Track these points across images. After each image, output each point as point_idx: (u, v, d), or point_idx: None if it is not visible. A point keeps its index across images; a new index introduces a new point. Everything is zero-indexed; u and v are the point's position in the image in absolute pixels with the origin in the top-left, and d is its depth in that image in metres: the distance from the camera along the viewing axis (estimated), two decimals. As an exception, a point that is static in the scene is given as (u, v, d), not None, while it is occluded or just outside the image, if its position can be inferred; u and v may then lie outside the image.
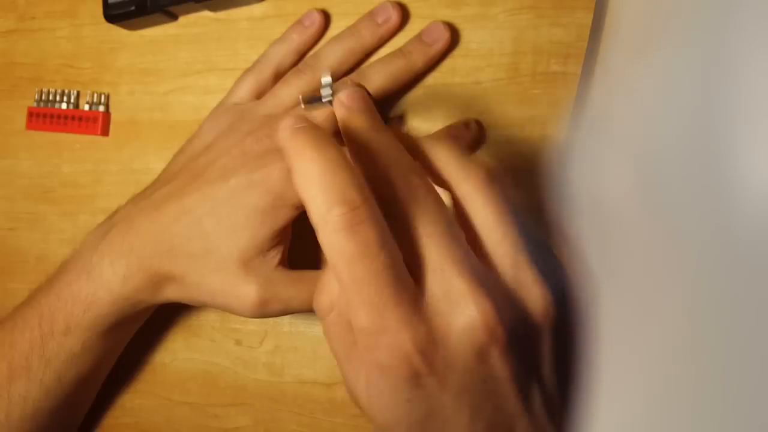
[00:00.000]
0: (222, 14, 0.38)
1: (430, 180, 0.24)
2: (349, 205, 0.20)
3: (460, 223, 0.24)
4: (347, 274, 0.21)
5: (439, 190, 0.24)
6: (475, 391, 0.22)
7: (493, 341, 0.21)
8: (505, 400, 0.22)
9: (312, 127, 0.21)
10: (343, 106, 0.24)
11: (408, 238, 0.22)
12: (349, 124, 0.24)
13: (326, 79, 0.26)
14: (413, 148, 0.25)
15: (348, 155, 0.22)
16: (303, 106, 0.27)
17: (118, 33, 0.40)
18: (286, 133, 0.21)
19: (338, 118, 0.24)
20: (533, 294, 0.23)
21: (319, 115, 0.32)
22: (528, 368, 0.23)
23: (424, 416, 0.22)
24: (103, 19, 0.38)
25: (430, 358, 0.21)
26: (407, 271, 0.22)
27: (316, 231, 0.21)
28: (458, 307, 0.21)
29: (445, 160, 0.25)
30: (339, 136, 0.33)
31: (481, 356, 0.22)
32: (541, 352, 0.24)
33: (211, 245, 0.29)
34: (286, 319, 0.36)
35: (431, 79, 0.34)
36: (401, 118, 0.35)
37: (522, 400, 0.23)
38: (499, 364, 0.22)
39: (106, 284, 0.31)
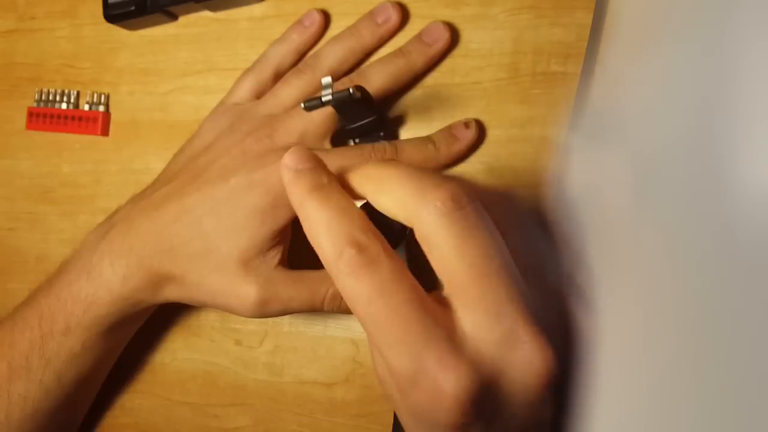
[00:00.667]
0: (222, 14, 0.38)
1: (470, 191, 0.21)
2: (356, 248, 0.19)
3: None
4: (366, 317, 0.19)
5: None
6: (519, 430, 0.21)
7: (546, 388, 0.20)
8: None
9: (314, 170, 0.21)
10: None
11: (457, 271, 0.20)
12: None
13: (326, 80, 0.26)
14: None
15: (348, 196, 0.21)
16: (303, 109, 0.27)
17: (118, 33, 0.40)
18: (289, 176, 0.21)
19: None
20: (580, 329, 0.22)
21: (318, 116, 0.32)
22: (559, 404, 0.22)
23: None
24: (103, 19, 0.38)
25: (478, 405, 0.19)
26: (435, 305, 0.20)
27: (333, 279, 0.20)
28: (515, 354, 0.19)
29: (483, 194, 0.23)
30: (333, 140, 0.33)
31: (533, 403, 0.20)
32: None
33: (211, 245, 0.29)
34: (286, 319, 0.36)
35: (431, 79, 0.34)
36: (401, 118, 0.35)
37: None
38: (548, 408, 0.21)
39: (106, 284, 0.31)
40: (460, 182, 0.21)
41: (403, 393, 0.20)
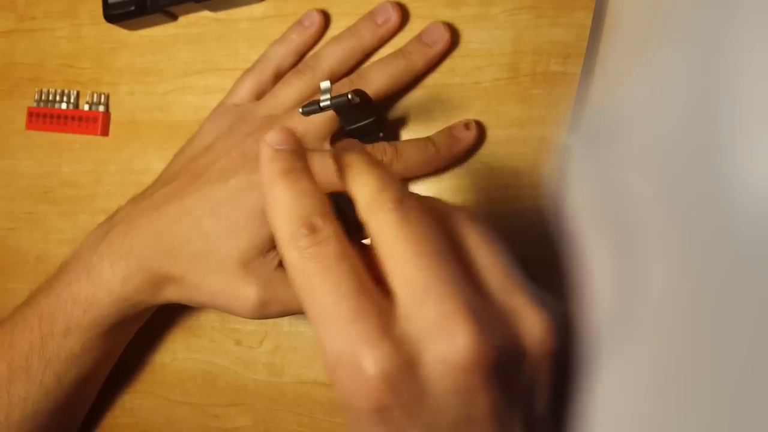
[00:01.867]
0: (222, 14, 0.38)
1: (417, 197, 0.21)
2: (309, 229, 0.20)
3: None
4: (304, 290, 0.20)
5: None
6: (449, 428, 0.20)
7: (475, 375, 0.19)
8: None
9: (291, 153, 0.21)
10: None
11: (392, 257, 0.20)
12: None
13: (325, 85, 0.26)
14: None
15: (315, 183, 0.22)
16: (301, 114, 0.27)
17: (118, 33, 0.40)
18: (266, 153, 0.21)
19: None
20: (530, 321, 0.20)
21: (318, 117, 0.32)
22: (514, 403, 0.20)
23: None
24: (103, 19, 0.38)
25: (397, 388, 0.18)
26: (375, 287, 0.20)
27: (281, 255, 0.21)
28: (439, 333, 0.19)
29: (432, 203, 0.23)
30: (332, 140, 0.33)
31: (458, 391, 0.19)
32: (535, 384, 0.21)
33: (210, 246, 0.29)
34: (286, 319, 0.36)
35: (431, 80, 0.34)
36: (401, 119, 0.35)
37: None
38: (481, 402, 0.19)
39: (105, 285, 0.31)
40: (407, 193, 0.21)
41: (331, 375, 0.19)
